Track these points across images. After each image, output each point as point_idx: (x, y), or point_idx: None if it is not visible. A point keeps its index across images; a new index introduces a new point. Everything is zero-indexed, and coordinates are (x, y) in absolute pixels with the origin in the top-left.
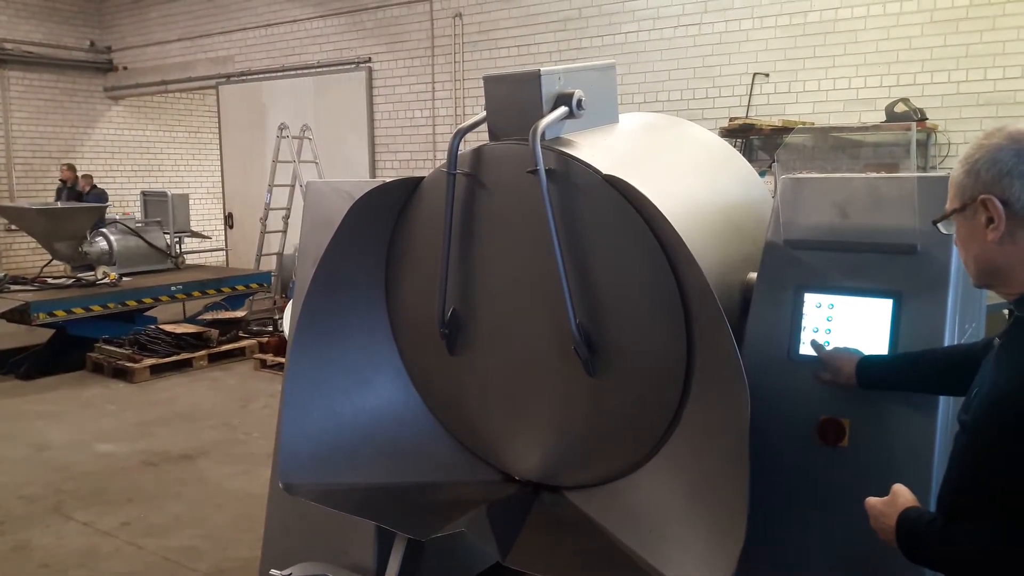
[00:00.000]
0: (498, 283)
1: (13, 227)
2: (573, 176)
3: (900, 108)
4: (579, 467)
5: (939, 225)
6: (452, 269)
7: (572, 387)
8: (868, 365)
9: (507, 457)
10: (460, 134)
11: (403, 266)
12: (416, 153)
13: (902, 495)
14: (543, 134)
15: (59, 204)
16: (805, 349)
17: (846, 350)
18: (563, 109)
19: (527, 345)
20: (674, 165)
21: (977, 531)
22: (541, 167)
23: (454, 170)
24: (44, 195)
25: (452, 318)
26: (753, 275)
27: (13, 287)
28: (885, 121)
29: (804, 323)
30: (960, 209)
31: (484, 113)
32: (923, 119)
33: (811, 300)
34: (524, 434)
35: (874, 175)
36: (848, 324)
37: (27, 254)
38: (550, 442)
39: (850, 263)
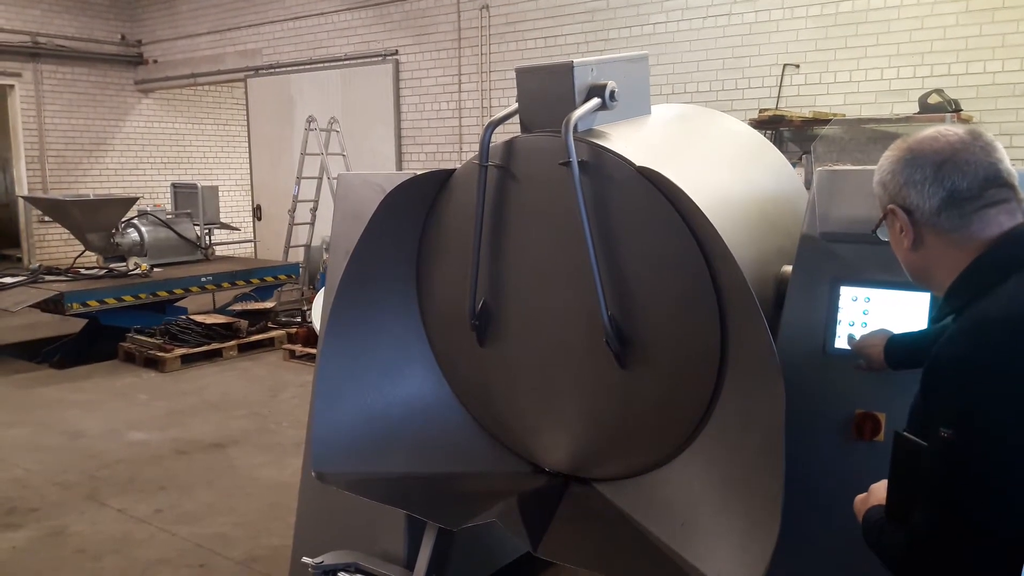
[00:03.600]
0: (529, 275)
1: (47, 218)
2: (606, 168)
3: (934, 99)
4: (609, 460)
5: (877, 233)
6: (483, 261)
7: (603, 380)
8: (895, 345)
9: (537, 449)
10: (492, 126)
11: (434, 258)
12: (442, 146)
13: (875, 493)
14: (576, 126)
15: (92, 196)
16: (841, 343)
17: (874, 333)
18: (596, 101)
19: (558, 337)
20: (708, 157)
21: (896, 531)
22: (574, 159)
23: (486, 162)
24: (77, 187)
25: (483, 310)
26: (788, 268)
27: (47, 277)
28: (918, 112)
29: (840, 317)
30: (882, 219)
31: (516, 105)
32: (958, 110)
33: (847, 293)
34: (554, 426)
35: None
36: (885, 317)
37: (60, 245)
38: (580, 435)
39: (887, 256)
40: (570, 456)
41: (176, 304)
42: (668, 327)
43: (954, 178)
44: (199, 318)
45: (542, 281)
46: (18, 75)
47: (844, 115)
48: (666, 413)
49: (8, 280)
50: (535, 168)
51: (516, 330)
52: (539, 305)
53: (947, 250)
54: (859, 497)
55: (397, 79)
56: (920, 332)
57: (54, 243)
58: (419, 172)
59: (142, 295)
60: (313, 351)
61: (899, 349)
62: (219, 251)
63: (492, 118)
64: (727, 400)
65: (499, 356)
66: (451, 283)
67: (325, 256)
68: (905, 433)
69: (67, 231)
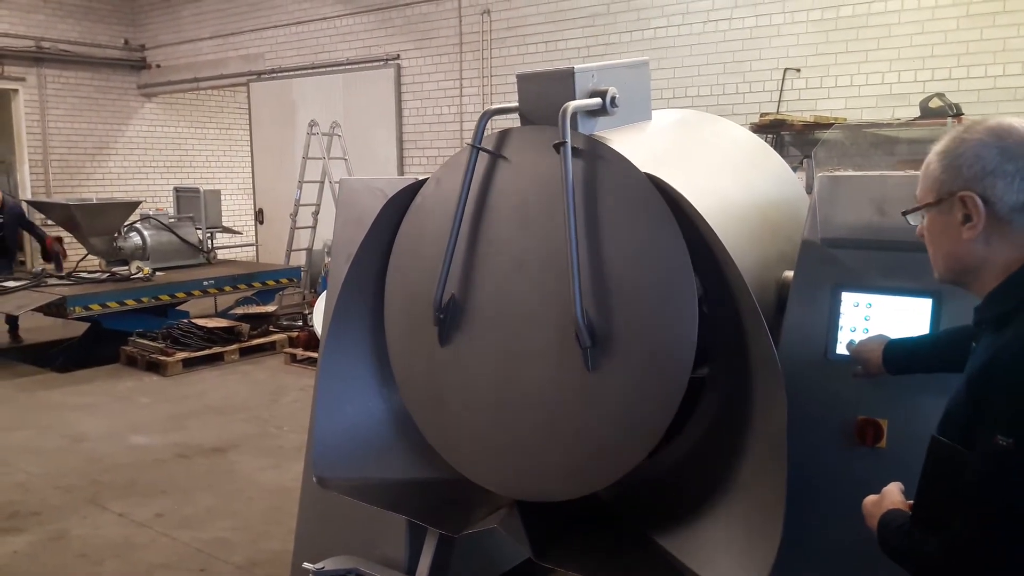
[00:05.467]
0: (503, 271)
1: (50, 222)
2: (605, 170)
3: (935, 103)
4: (578, 476)
5: (907, 217)
6: (456, 254)
7: (569, 384)
8: (893, 350)
9: (488, 473)
10: (488, 114)
11: (402, 259)
12: (444, 150)
13: (889, 496)
14: (574, 118)
15: (94, 200)
16: (842, 349)
17: (872, 338)
18: (596, 100)
19: (525, 337)
20: (708, 162)
21: (926, 538)
22: (568, 140)
23: (479, 143)
24: (80, 191)
25: (450, 304)
26: (789, 273)
27: (50, 281)
28: (919, 117)
29: (841, 322)
30: (935, 203)
31: (516, 102)
32: (959, 115)
33: (849, 299)
34: (509, 446)
35: (911, 172)
36: (887, 323)
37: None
38: (537, 454)
39: (889, 262)
40: (525, 479)
41: (178, 308)
42: (648, 331)
43: None
44: (201, 322)
45: (516, 277)
46: (22, 80)
47: (845, 119)
48: (632, 421)
49: (11, 284)
50: (526, 156)
51: (481, 327)
52: (510, 302)
53: (1005, 250)
54: (870, 499)
55: (399, 83)
56: (920, 337)
57: None
58: (421, 177)
59: (144, 299)
60: (314, 355)
61: (898, 354)
62: (221, 255)
63: (489, 108)
64: (729, 404)
65: (459, 359)
66: (417, 284)
67: (327, 260)
68: (943, 439)
69: (70, 235)
